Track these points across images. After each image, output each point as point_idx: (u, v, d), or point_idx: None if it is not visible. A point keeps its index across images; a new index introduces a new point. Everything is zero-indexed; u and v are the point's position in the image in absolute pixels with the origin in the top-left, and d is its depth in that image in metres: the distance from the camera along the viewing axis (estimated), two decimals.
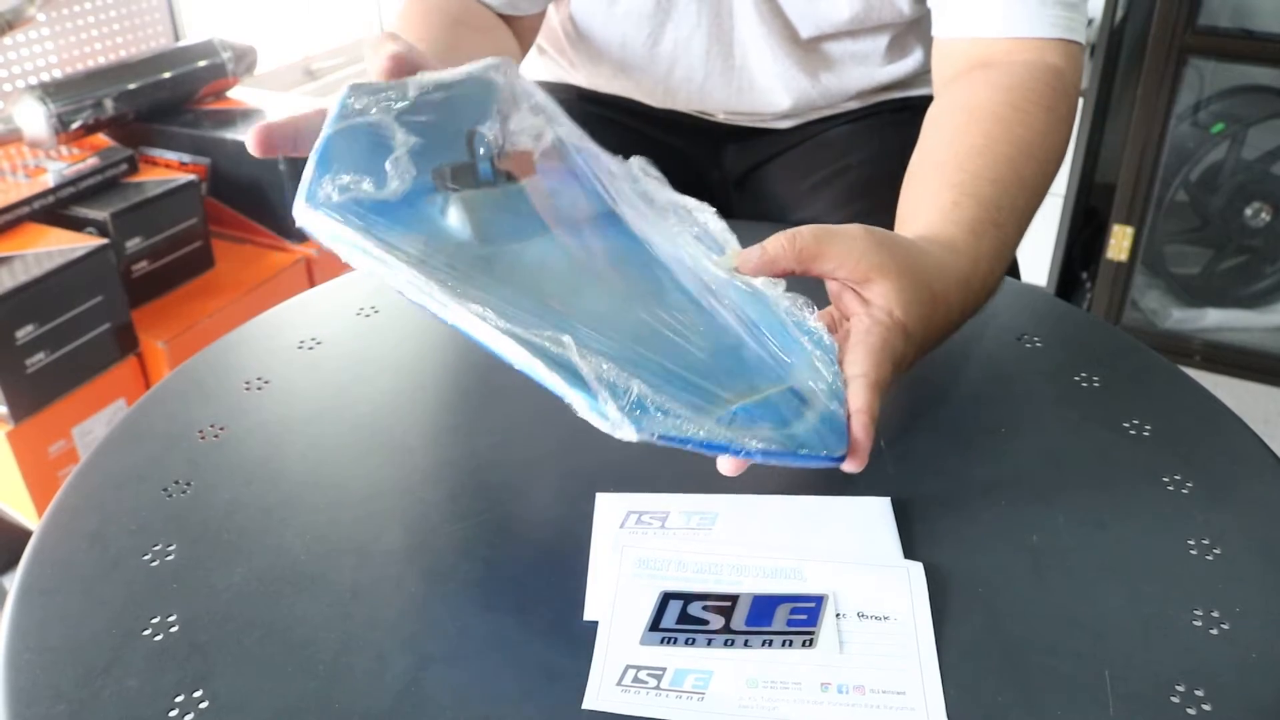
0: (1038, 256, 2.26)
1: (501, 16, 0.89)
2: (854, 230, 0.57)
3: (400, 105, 0.54)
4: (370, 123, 0.53)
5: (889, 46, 0.95)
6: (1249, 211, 2.10)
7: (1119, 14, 2.11)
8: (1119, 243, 2.16)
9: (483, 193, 0.55)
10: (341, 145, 0.51)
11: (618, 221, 0.58)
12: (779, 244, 0.55)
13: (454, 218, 0.53)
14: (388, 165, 0.52)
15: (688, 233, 0.59)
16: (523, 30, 0.92)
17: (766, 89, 0.96)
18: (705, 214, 0.59)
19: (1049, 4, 0.76)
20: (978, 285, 0.63)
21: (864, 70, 0.97)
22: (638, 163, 0.60)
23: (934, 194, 0.67)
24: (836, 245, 0.56)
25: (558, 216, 0.57)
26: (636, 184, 0.60)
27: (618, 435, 0.46)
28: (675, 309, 0.54)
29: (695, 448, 0.48)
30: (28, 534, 1.52)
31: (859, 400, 0.53)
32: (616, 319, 0.52)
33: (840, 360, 0.55)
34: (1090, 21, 2.10)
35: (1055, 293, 2.27)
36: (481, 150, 0.56)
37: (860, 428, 0.52)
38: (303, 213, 0.49)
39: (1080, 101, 2.11)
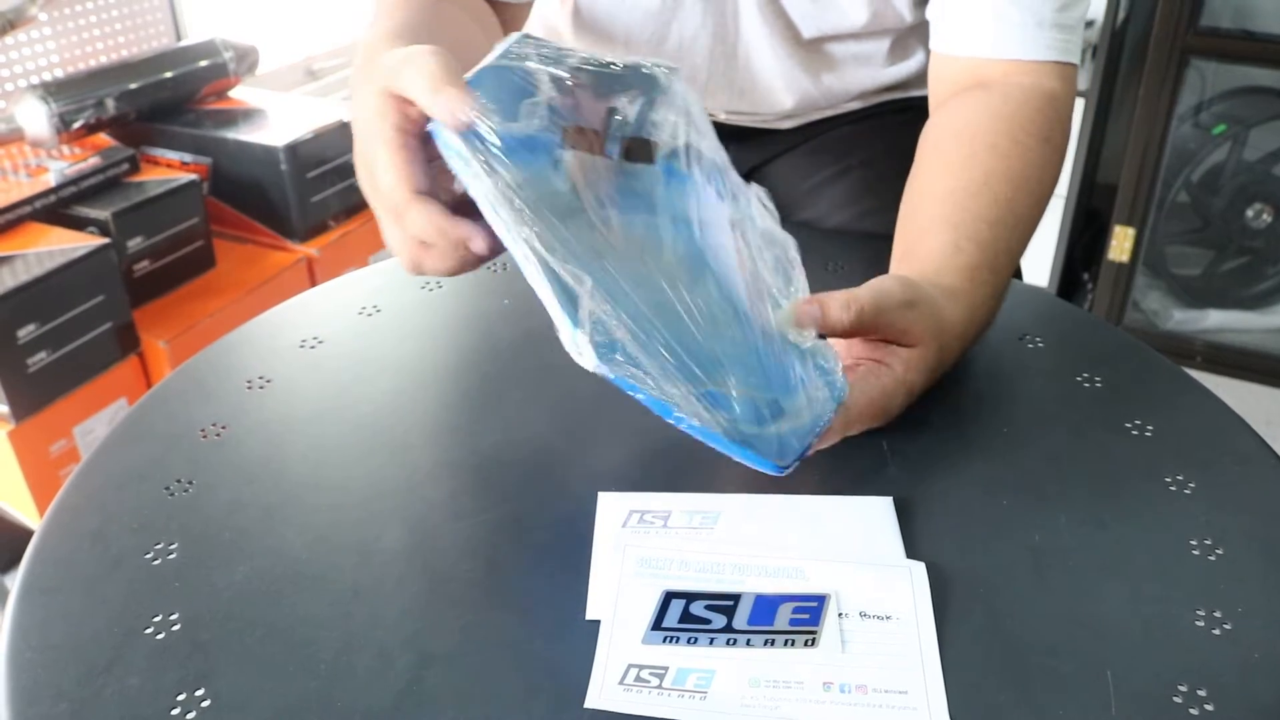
0: (1039, 257, 2.26)
1: (490, 2, 0.89)
2: (902, 299, 0.61)
3: (558, 66, 0.57)
4: (526, 69, 0.57)
5: (891, 48, 0.95)
6: (1250, 213, 2.11)
7: (1121, 15, 2.11)
8: (1120, 244, 2.16)
9: (597, 160, 0.59)
10: (492, 79, 0.56)
11: (706, 231, 0.61)
12: (839, 314, 0.59)
13: (562, 171, 0.57)
14: (524, 106, 0.56)
15: (767, 260, 0.61)
16: (509, 19, 0.91)
17: (769, 89, 0.96)
18: (791, 250, 0.61)
19: (1046, 26, 0.77)
20: (972, 333, 0.67)
21: (866, 71, 0.97)
22: (756, 191, 0.62)
23: (935, 232, 0.69)
24: (893, 318, 0.60)
25: (654, 207, 0.61)
26: (745, 207, 0.62)
27: (579, 361, 0.51)
28: (712, 306, 0.58)
29: (643, 400, 0.51)
30: (29, 533, 1.52)
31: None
32: (651, 295, 0.56)
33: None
34: (1091, 23, 2.10)
35: (1056, 293, 2.27)
36: (614, 124, 0.60)
37: (810, 448, 0.56)
38: (435, 124, 0.54)
39: (1081, 103, 2.11)
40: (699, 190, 0.62)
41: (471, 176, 0.53)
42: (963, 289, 0.66)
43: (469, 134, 0.53)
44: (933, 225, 0.70)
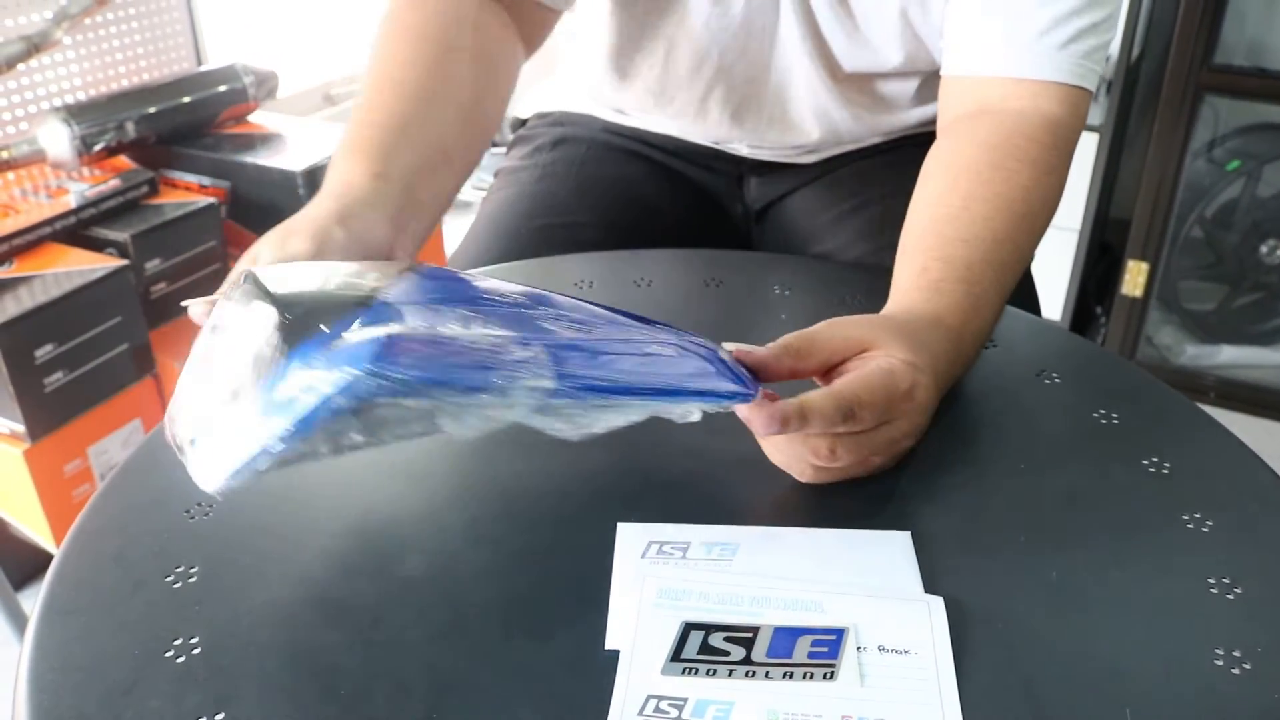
0: (1052, 291, 2.26)
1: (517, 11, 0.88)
2: (832, 320, 0.62)
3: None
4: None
5: (919, 88, 0.96)
6: (1264, 249, 2.10)
7: (1135, 50, 2.11)
8: (1134, 278, 2.16)
9: None
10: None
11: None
12: (767, 351, 0.59)
13: None
14: None
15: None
16: (537, 25, 0.91)
17: (799, 119, 0.97)
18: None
19: (1050, 48, 0.76)
20: (954, 324, 0.66)
21: (894, 111, 0.98)
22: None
23: (908, 260, 0.71)
24: (823, 333, 0.60)
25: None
26: None
27: None
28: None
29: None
30: (41, 552, 1.52)
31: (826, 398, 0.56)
32: None
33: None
34: (1107, 58, 2.11)
35: (1069, 327, 2.27)
36: None
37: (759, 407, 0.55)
38: None
39: (1095, 137, 2.12)
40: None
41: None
42: (924, 300, 0.66)
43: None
44: (906, 255, 0.71)
